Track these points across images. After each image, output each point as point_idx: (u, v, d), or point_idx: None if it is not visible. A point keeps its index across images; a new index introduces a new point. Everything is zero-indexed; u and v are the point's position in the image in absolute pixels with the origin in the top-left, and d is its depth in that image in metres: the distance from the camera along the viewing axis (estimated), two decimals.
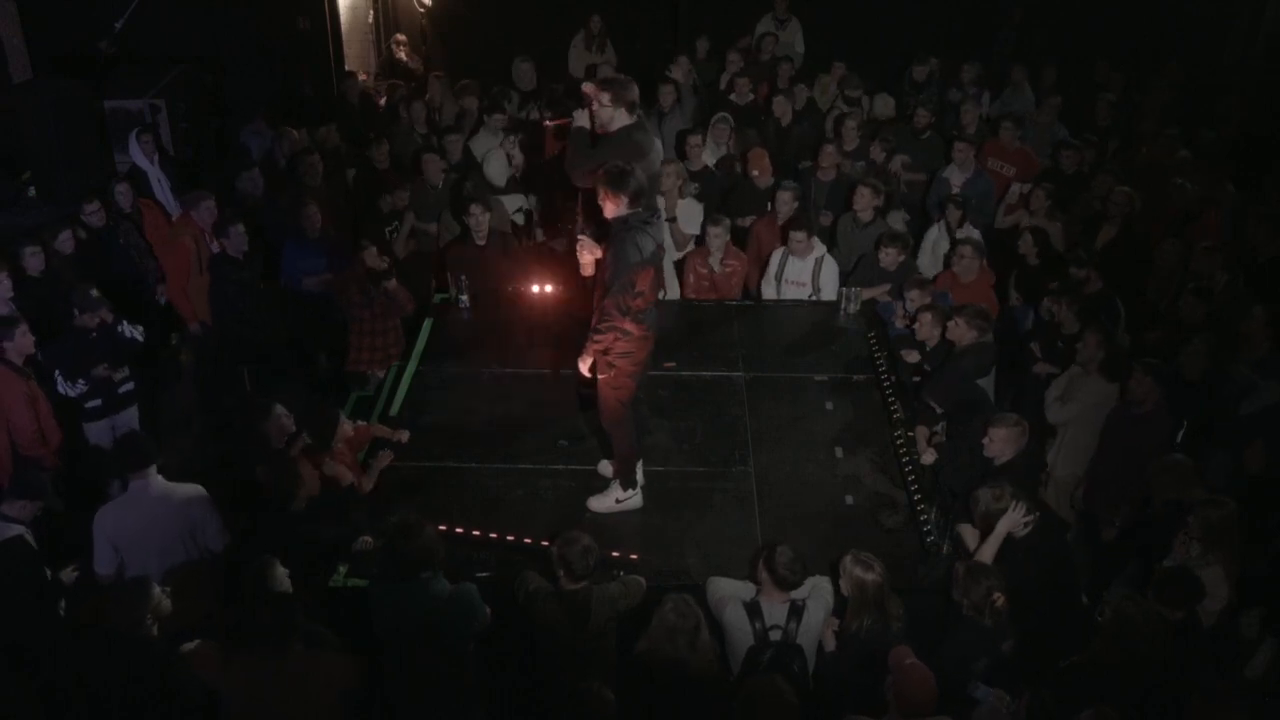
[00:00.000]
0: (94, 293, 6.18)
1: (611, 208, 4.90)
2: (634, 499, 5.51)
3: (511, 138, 8.73)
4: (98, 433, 6.39)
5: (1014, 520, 4.76)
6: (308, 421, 5.41)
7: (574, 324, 6.80)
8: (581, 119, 5.31)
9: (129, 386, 6.43)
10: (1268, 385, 5.86)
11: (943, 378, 5.95)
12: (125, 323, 6.33)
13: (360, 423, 5.87)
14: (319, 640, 4.30)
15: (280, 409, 5.38)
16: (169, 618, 4.28)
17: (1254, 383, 5.91)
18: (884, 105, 9.81)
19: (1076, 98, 9.95)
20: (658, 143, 5.68)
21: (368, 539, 5.07)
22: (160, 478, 4.96)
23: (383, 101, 10.26)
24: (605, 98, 5.18)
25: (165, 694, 4.12)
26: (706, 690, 4.18)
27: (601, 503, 5.52)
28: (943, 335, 6.15)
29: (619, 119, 5.23)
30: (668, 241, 7.05)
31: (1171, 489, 5.22)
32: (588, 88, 5.29)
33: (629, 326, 5.01)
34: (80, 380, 6.19)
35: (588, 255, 5.32)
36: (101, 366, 6.22)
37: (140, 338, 6.40)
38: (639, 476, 5.52)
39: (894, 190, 8.67)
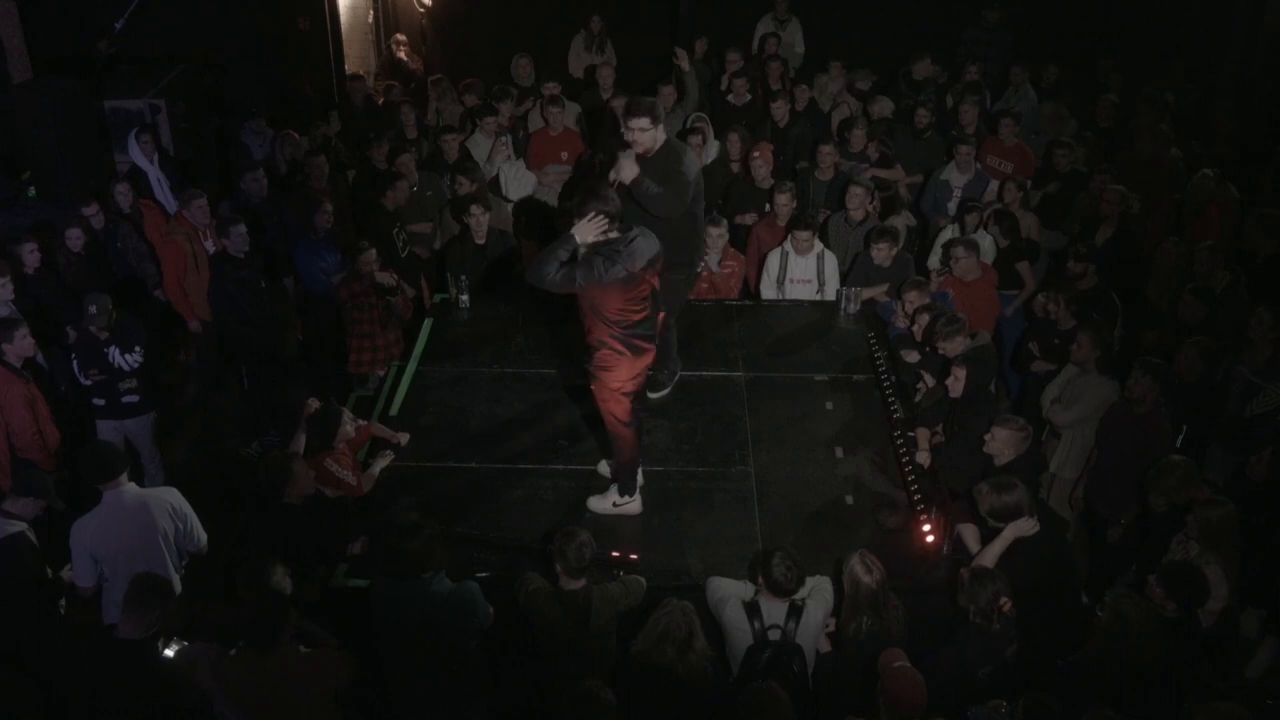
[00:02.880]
0: (93, 309, 6.13)
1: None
2: (632, 505, 5.49)
3: (504, 138, 8.74)
4: (108, 430, 6.43)
5: (1021, 527, 4.75)
6: (310, 421, 5.42)
7: (574, 325, 6.83)
8: (628, 166, 5.28)
9: (132, 399, 6.40)
10: (1270, 389, 5.85)
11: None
12: (116, 349, 6.29)
13: (361, 422, 5.88)
14: (314, 639, 4.30)
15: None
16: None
17: (1257, 387, 5.91)
18: (882, 106, 9.83)
19: (1076, 98, 9.97)
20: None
21: (364, 541, 5.07)
22: (132, 485, 4.93)
23: (381, 101, 10.26)
24: (644, 121, 5.27)
25: (164, 693, 4.13)
26: (698, 695, 4.18)
27: (600, 504, 5.52)
28: (934, 349, 6.14)
29: (660, 135, 5.39)
30: None
31: (1172, 489, 5.22)
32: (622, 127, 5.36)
33: (609, 345, 4.96)
34: (85, 374, 6.24)
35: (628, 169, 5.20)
36: (92, 371, 6.22)
37: (129, 366, 6.34)
38: (639, 478, 5.52)
39: (896, 194, 8.67)
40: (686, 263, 5.83)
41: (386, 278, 6.79)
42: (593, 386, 5.20)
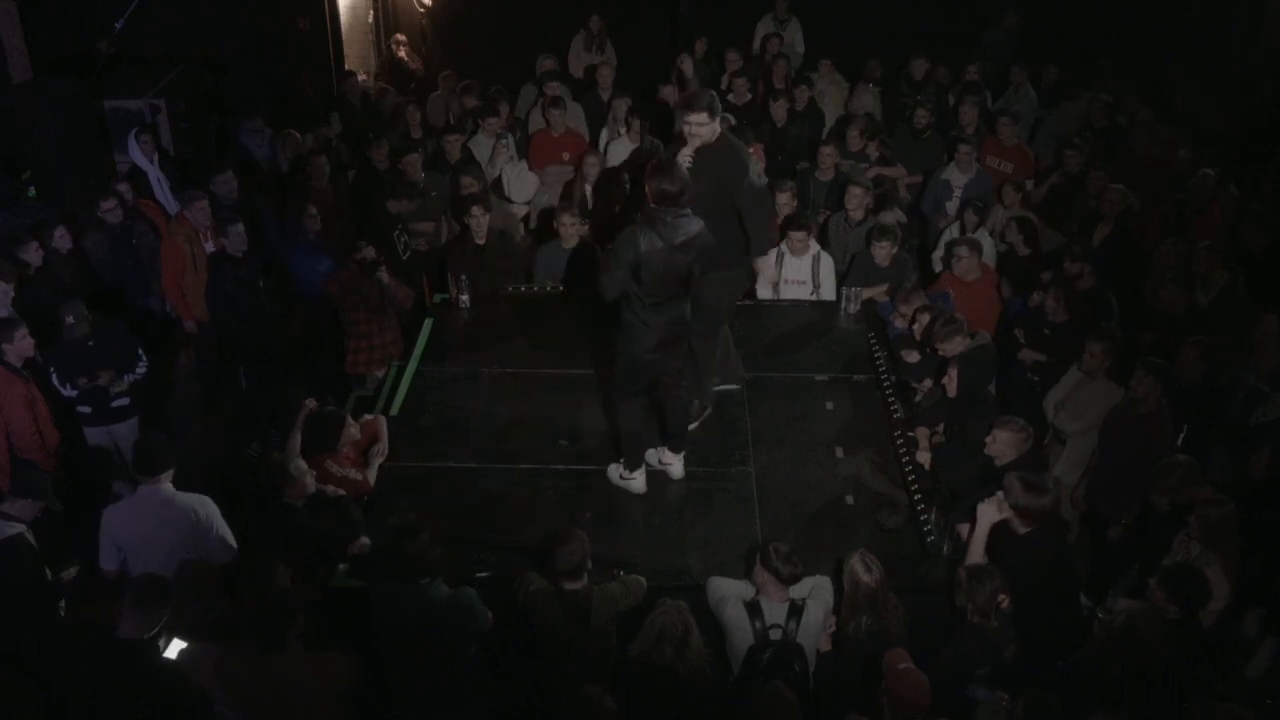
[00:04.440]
0: (71, 319, 6.09)
1: (647, 192, 5.00)
2: (634, 483, 5.58)
3: (506, 139, 8.74)
4: (96, 436, 6.39)
5: (990, 513, 4.72)
6: (314, 424, 5.42)
7: (575, 324, 6.84)
8: (686, 154, 5.35)
9: (123, 402, 6.39)
10: (1277, 397, 5.84)
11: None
12: (126, 377, 6.34)
13: (367, 416, 5.90)
14: (316, 640, 4.29)
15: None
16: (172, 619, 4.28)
17: (1264, 394, 5.90)
18: (863, 101, 9.91)
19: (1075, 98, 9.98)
20: None
21: (365, 542, 5.07)
22: (169, 486, 4.92)
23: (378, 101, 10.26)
24: (702, 116, 5.31)
25: (164, 693, 4.13)
26: (698, 695, 4.18)
27: (612, 472, 5.66)
28: (933, 350, 6.12)
29: (717, 128, 5.42)
30: None
31: (1173, 489, 5.21)
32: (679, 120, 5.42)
33: (632, 317, 5.11)
34: (68, 384, 6.21)
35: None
36: (102, 375, 6.20)
37: (136, 378, 6.39)
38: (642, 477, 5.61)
39: (888, 190, 8.67)
40: (737, 261, 5.89)
41: (369, 252, 6.75)
42: (619, 349, 5.33)
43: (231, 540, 4.97)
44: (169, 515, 4.86)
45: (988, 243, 7.66)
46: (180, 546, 4.85)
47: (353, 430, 5.57)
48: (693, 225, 5.02)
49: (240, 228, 7.03)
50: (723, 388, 6.38)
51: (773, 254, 7.49)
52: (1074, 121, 9.57)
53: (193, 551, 4.88)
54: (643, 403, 5.53)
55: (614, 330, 5.31)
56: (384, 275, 6.70)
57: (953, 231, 7.96)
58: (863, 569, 4.46)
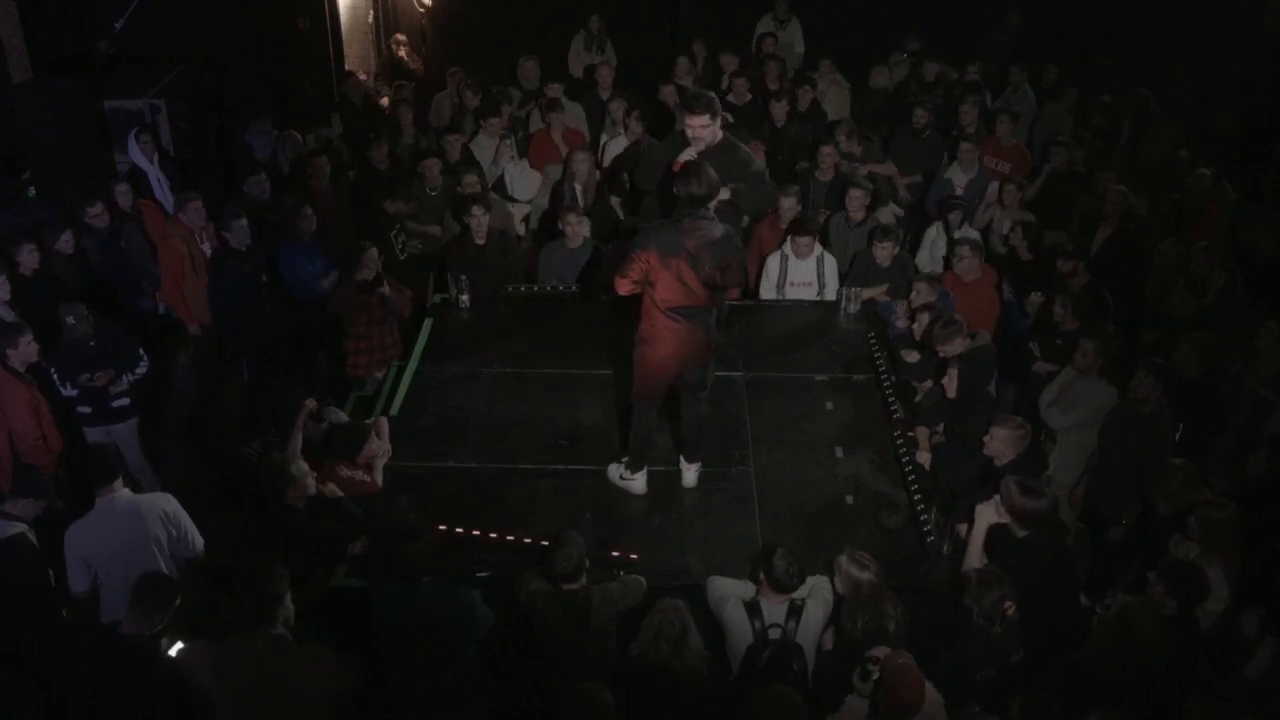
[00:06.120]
0: (70, 319, 6.08)
1: (675, 194, 5.06)
2: (634, 484, 5.59)
3: (509, 140, 8.73)
4: (96, 436, 6.38)
5: (989, 514, 4.72)
6: (339, 434, 5.46)
7: (575, 324, 6.84)
8: (690, 154, 5.44)
9: (123, 402, 6.38)
10: None
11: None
12: (125, 377, 6.32)
13: (382, 418, 5.93)
14: (312, 638, 4.29)
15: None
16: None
17: (1268, 402, 5.89)
18: (878, 77, 9.98)
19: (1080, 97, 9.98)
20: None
21: (364, 541, 5.08)
22: (126, 491, 4.90)
23: (385, 101, 10.25)
24: (704, 119, 5.41)
25: (164, 693, 4.13)
26: (697, 695, 4.18)
27: (612, 471, 5.67)
28: (933, 351, 6.12)
29: (718, 130, 5.55)
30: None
31: (1176, 494, 5.20)
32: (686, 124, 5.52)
33: (648, 323, 5.12)
34: (69, 384, 6.21)
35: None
36: (99, 376, 6.19)
37: (141, 374, 6.40)
38: (643, 479, 5.61)
39: (880, 187, 8.67)
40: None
41: (368, 273, 6.76)
42: (634, 352, 5.31)
43: (197, 532, 4.98)
44: (139, 520, 4.82)
45: (975, 236, 7.67)
46: (151, 551, 4.81)
47: (373, 446, 5.60)
48: (714, 230, 4.98)
49: (244, 222, 7.03)
50: None
51: (776, 257, 7.52)
52: (1060, 121, 9.56)
53: (163, 552, 4.84)
54: (658, 407, 5.51)
55: (616, 329, 5.31)
56: (385, 289, 6.73)
57: (938, 230, 7.96)
58: (857, 568, 4.44)
